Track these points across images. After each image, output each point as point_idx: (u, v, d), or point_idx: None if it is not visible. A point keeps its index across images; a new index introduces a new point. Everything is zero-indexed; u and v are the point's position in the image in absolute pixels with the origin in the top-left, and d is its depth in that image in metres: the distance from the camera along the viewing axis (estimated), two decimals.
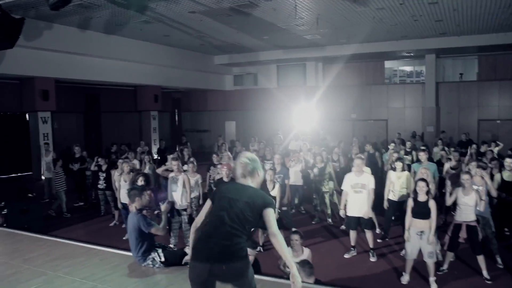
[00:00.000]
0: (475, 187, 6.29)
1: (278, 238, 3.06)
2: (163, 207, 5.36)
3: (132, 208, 5.16)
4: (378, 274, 6.55)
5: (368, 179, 7.00)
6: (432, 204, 5.86)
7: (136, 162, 10.45)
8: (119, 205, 8.53)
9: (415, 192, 6.02)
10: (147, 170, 10.30)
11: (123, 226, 9.04)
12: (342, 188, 7.27)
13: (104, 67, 14.85)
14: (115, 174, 9.05)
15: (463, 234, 6.14)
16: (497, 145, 11.72)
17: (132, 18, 12.31)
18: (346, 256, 7.26)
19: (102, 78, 15.28)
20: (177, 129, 21.50)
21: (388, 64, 20.51)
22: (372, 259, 7.08)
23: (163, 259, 4.85)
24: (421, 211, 5.88)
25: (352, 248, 7.31)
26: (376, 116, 19.84)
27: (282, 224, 7.35)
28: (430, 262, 5.84)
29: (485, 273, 6.08)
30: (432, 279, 5.86)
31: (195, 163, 9.01)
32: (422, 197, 5.91)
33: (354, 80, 20.40)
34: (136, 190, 5.29)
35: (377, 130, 19.58)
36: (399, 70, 20.87)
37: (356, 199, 6.96)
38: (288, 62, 20.21)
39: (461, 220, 6.15)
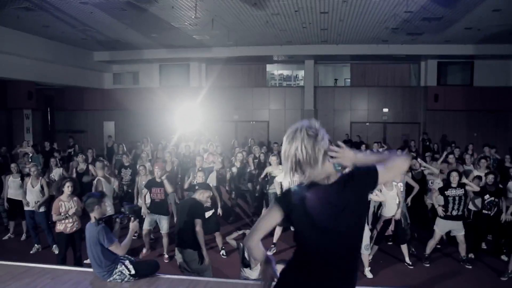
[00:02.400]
0: (394, 183, 6.89)
1: None
2: (132, 225, 4.71)
3: (91, 218, 4.54)
4: None
5: None
6: None
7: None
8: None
9: None
10: (53, 175, 8.95)
11: (23, 238, 8.15)
12: None
13: None
14: (9, 179, 8.03)
15: (392, 227, 6.69)
16: (382, 146, 12.91)
17: (11, 2, 10.91)
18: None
19: None
20: (49, 129, 19.52)
21: (268, 67, 21.27)
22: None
23: (133, 272, 4.32)
24: None
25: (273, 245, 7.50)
26: (258, 118, 20.43)
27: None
28: (366, 254, 6.26)
29: (407, 259, 6.72)
30: (367, 269, 6.29)
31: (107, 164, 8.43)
32: None
33: (237, 81, 20.79)
34: (95, 197, 4.63)
35: (259, 132, 20.19)
36: (277, 74, 21.83)
37: None
38: (171, 61, 19.78)
39: (390, 215, 6.68)
